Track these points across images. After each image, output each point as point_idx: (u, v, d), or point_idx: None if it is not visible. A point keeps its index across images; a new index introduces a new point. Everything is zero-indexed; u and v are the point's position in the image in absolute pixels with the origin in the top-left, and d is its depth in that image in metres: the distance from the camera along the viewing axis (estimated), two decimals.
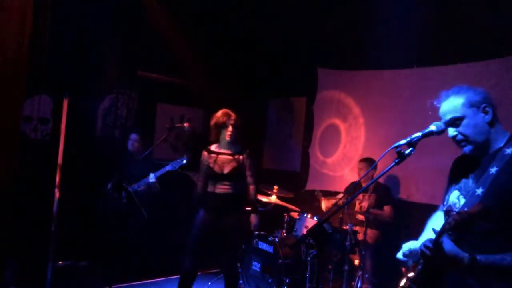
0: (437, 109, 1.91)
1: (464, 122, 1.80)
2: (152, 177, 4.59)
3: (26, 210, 4.22)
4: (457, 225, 1.58)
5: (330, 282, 4.18)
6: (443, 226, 1.62)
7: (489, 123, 1.80)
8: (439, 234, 1.63)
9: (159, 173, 4.57)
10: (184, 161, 4.36)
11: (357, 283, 4.18)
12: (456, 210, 1.79)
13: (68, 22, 4.47)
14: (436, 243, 1.63)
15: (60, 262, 4.25)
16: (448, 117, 1.83)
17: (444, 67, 4.64)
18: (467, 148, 1.83)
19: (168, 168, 4.47)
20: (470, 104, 1.81)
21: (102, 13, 4.70)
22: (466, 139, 1.81)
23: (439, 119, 1.90)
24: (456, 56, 4.53)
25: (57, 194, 3.73)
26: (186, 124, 4.62)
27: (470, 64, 4.43)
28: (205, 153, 3.96)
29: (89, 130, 5.25)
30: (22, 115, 4.26)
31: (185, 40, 5.52)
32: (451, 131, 1.84)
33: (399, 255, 1.95)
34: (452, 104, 1.83)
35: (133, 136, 4.98)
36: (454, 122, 1.82)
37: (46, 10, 4.03)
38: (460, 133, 1.82)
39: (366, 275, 4.29)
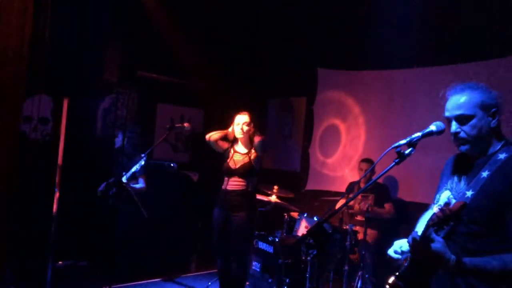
0: (447, 99, 1.85)
1: (472, 122, 1.77)
2: (124, 179, 4.34)
3: (26, 210, 4.22)
4: (439, 221, 1.60)
5: (330, 282, 4.18)
6: (428, 222, 1.64)
7: (493, 129, 1.79)
8: (425, 229, 1.64)
9: (128, 174, 4.33)
10: (143, 162, 4.17)
11: (357, 283, 4.18)
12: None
13: (68, 22, 4.47)
14: (423, 236, 1.64)
15: (60, 262, 4.25)
16: (458, 112, 1.79)
17: (444, 67, 4.64)
18: (464, 147, 1.81)
19: (133, 169, 4.23)
20: (483, 106, 1.77)
21: (102, 13, 4.70)
22: (467, 139, 1.79)
23: (442, 111, 1.86)
24: (456, 56, 4.53)
25: (57, 194, 3.73)
26: (186, 124, 4.60)
27: (470, 64, 4.44)
28: (231, 148, 4.13)
29: (89, 130, 5.25)
30: (22, 115, 4.25)
31: (185, 40, 5.52)
32: (455, 127, 1.80)
33: (391, 251, 1.96)
34: (466, 100, 1.78)
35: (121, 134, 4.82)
36: (462, 118, 1.79)
37: (46, 10, 4.03)
38: (464, 131, 1.79)
39: (366, 275, 4.29)
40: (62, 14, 4.35)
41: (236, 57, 6.19)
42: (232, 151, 4.11)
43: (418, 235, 1.66)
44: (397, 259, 1.92)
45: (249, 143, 4.10)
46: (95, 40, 4.83)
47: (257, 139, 4.01)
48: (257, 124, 4.18)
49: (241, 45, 6.21)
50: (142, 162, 4.16)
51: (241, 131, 4.02)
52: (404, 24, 4.55)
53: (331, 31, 5.61)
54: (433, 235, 1.66)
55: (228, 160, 4.07)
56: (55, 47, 4.29)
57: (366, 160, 4.87)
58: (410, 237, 1.72)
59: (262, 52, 6.49)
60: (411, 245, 1.72)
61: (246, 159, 4.01)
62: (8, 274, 3.92)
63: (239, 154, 4.06)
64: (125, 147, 4.69)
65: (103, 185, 4.52)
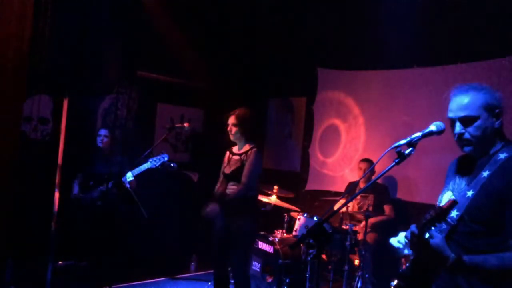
0: (450, 100, 1.84)
1: (476, 123, 1.77)
2: (130, 176, 4.27)
3: (26, 210, 4.21)
4: (432, 218, 1.62)
5: (330, 282, 4.18)
6: (423, 220, 1.65)
7: (497, 129, 1.79)
8: (421, 227, 1.66)
9: (136, 171, 4.27)
10: (166, 158, 4.10)
11: (357, 283, 4.18)
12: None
13: (68, 22, 4.47)
14: (421, 229, 1.65)
15: (60, 262, 4.25)
16: (463, 113, 1.78)
17: (444, 67, 4.64)
18: (468, 149, 1.81)
19: (146, 166, 4.19)
20: (488, 107, 1.77)
21: (102, 12, 4.70)
22: (470, 140, 1.79)
23: (444, 112, 1.85)
24: (456, 56, 4.53)
25: (57, 194, 3.72)
26: (186, 124, 4.60)
27: (470, 64, 4.44)
28: (227, 153, 3.93)
29: (89, 130, 5.25)
30: (22, 115, 4.25)
31: (185, 39, 5.52)
32: (459, 128, 1.79)
33: (393, 240, 1.95)
34: (470, 101, 1.77)
35: (102, 132, 4.69)
36: (466, 120, 1.78)
37: (46, 10, 4.03)
38: (468, 132, 1.78)
39: (366, 275, 4.29)
40: (62, 14, 4.36)
41: (236, 57, 6.19)
42: (229, 154, 3.89)
43: (416, 229, 1.68)
44: (397, 248, 1.92)
45: (243, 142, 3.84)
46: (95, 40, 4.83)
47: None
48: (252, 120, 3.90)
49: (241, 45, 6.21)
50: (165, 159, 4.04)
51: (229, 132, 3.80)
52: (404, 24, 4.55)
53: (331, 31, 5.61)
54: (433, 232, 1.67)
55: (225, 165, 3.86)
56: (55, 47, 4.29)
57: (365, 160, 4.87)
58: (408, 231, 1.73)
59: (262, 52, 6.49)
60: (409, 240, 1.72)
61: (239, 163, 3.75)
62: (8, 274, 3.92)
63: (235, 156, 3.84)
64: (104, 146, 4.61)
65: (103, 186, 4.52)
